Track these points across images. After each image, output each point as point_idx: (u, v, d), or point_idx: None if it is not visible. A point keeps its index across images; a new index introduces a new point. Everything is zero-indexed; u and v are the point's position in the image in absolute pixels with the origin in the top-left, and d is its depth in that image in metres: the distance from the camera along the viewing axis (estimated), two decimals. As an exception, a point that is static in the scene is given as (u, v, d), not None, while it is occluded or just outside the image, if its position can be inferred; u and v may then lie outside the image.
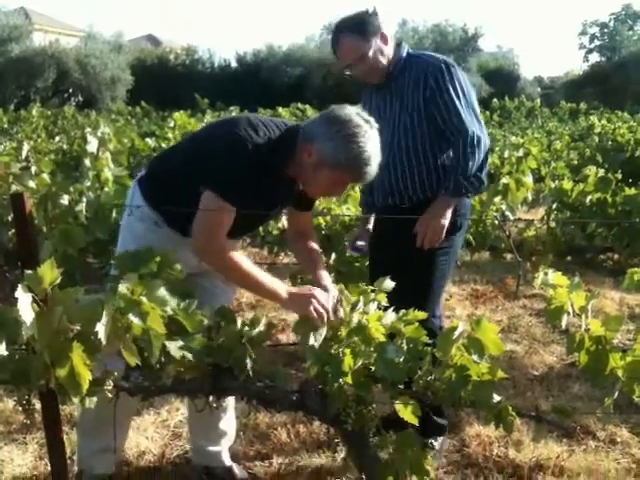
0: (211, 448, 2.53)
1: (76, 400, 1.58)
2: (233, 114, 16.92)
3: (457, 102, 2.47)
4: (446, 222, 2.50)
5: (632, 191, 5.48)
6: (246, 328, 1.88)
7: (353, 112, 2.00)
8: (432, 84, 2.48)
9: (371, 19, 2.48)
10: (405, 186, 2.61)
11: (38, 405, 1.81)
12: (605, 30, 40.78)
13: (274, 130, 2.08)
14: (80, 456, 2.40)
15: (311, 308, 1.91)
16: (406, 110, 2.55)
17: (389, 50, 2.55)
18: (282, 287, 2.04)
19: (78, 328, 1.61)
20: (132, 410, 2.36)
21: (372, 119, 2.02)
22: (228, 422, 2.53)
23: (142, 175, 2.27)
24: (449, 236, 2.57)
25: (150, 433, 2.91)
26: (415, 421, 1.86)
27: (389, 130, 2.56)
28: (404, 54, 2.59)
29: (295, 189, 2.18)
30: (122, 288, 1.51)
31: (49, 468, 1.99)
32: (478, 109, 2.58)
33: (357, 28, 2.47)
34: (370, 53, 2.49)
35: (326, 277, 2.19)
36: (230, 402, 2.46)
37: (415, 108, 2.53)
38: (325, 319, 1.91)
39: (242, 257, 2.05)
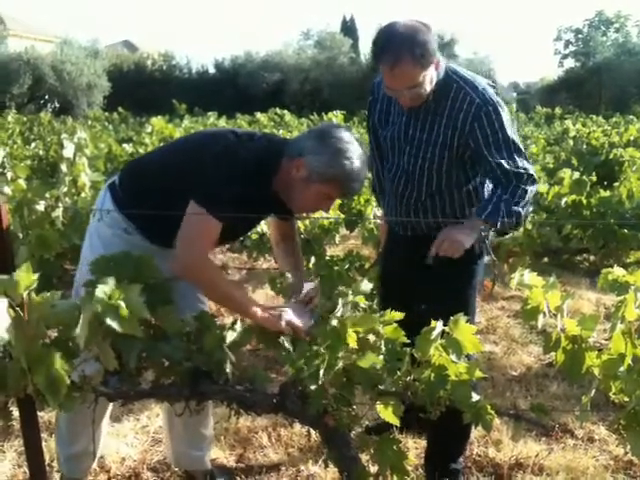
0: (193, 452, 2.51)
1: (54, 406, 1.57)
2: (211, 119, 16.87)
3: (507, 148, 2.23)
4: (467, 242, 2.22)
5: (606, 193, 5.56)
6: (225, 332, 1.88)
7: (343, 129, 2.07)
8: (477, 129, 2.23)
9: (432, 42, 2.13)
10: (417, 216, 2.44)
11: (16, 412, 1.79)
12: (579, 36, 41.23)
13: (259, 143, 2.09)
14: (59, 460, 2.43)
15: (282, 323, 1.99)
16: (436, 139, 2.30)
17: (436, 75, 2.23)
18: (258, 307, 2.05)
19: (55, 334, 1.61)
20: (105, 413, 2.35)
21: (358, 139, 2.06)
22: (208, 426, 2.52)
23: (114, 180, 2.22)
24: (471, 266, 2.43)
25: (130, 439, 2.89)
26: (396, 421, 1.86)
27: (409, 154, 2.37)
28: (442, 74, 2.25)
29: (280, 203, 2.15)
30: (99, 292, 1.50)
31: (28, 475, 1.97)
32: (522, 146, 2.32)
33: (420, 53, 2.09)
34: (426, 81, 2.17)
35: (304, 279, 2.20)
36: (208, 406, 2.45)
37: (447, 140, 2.28)
38: (298, 330, 2.00)
39: (221, 275, 2.06)
